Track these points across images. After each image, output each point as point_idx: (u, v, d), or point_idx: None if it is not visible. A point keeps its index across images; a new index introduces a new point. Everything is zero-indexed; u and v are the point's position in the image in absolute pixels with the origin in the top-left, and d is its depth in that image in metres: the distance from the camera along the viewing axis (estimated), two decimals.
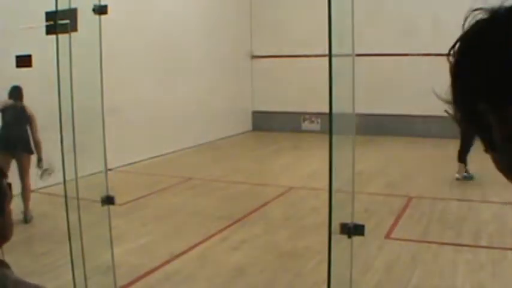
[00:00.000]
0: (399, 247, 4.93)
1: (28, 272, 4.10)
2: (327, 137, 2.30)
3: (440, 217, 5.84)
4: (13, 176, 4.99)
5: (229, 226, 5.61)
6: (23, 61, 4.31)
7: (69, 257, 3.47)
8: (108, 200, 3.53)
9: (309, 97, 11.95)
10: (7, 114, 5.75)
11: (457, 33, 0.72)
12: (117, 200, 3.62)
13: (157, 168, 8.84)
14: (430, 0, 11.24)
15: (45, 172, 5.58)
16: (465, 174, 7.34)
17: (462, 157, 7.33)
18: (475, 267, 4.34)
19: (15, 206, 5.34)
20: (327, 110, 2.29)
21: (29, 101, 6.60)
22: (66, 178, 3.47)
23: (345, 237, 2.48)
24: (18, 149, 5.67)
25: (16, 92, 5.82)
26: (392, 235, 5.28)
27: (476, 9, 0.71)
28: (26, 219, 5.65)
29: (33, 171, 5.68)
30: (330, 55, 2.24)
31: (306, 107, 12.51)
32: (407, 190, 7.01)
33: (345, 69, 2.50)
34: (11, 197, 1.31)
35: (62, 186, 3.55)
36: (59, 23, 3.25)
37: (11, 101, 5.77)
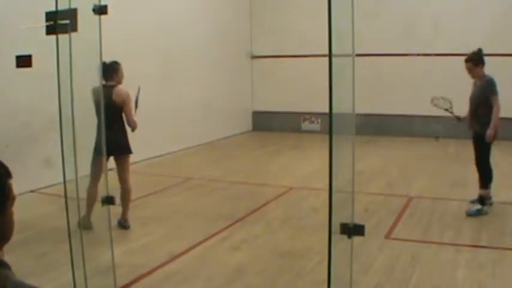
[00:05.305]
0: (399, 247, 4.93)
1: (28, 272, 4.11)
2: (327, 137, 2.30)
3: (440, 217, 5.84)
4: (15, 175, 4.96)
5: (229, 226, 5.61)
6: (23, 61, 4.31)
7: (69, 257, 3.47)
8: (108, 200, 3.54)
9: (309, 97, 11.95)
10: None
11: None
12: (117, 200, 3.62)
13: (157, 168, 8.84)
14: (430, 0, 11.26)
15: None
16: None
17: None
18: (475, 267, 4.34)
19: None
20: (327, 110, 2.28)
21: (29, 102, 6.62)
22: (66, 178, 3.48)
23: (345, 237, 2.48)
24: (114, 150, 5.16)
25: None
26: (393, 235, 5.28)
27: None
28: (124, 225, 5.43)
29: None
30: (330, 55, 2.24)
31: (306, 107, 12.51)
32: (407, 190, 7.01)
33: (345, 69, 2.50)
34: (14, 198, 1.31)
35: (62, 186, 3.55)
36: (59, 23, 3.25)
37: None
